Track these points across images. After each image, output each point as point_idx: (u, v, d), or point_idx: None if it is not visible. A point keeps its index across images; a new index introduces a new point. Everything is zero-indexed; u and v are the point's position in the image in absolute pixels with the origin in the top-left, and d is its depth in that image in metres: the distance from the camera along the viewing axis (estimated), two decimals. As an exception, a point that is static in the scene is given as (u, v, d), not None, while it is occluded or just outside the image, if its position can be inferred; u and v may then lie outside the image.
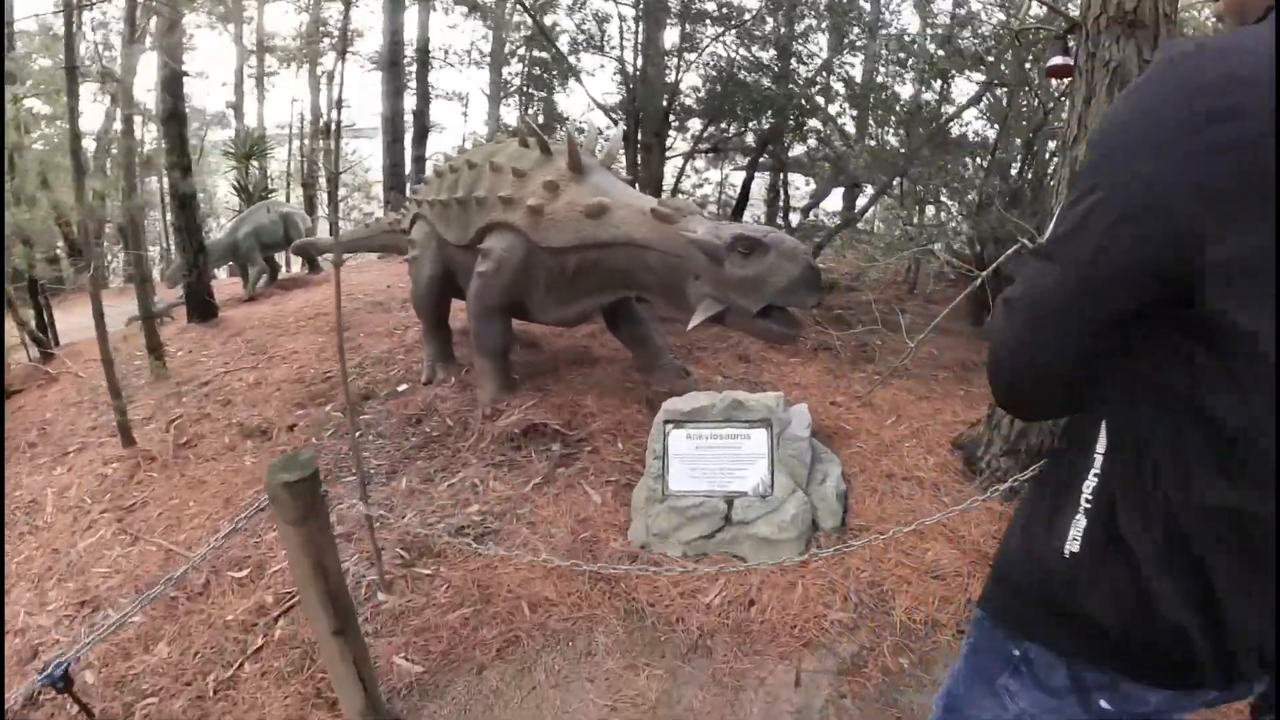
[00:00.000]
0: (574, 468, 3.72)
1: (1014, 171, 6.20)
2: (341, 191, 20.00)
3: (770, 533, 2.98)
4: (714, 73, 7.69)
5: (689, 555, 3.03)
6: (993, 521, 3.53)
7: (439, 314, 4.99)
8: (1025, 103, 6.18)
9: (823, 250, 8.27)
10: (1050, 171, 6.39)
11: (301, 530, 1.80)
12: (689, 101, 8.00)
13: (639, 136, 7.64)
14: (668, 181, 8.64)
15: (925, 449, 4.03)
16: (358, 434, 4.37)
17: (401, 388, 4.95)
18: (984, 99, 6.95)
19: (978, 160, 6.47)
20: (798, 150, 10.23)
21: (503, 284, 4.08)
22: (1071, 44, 3.40)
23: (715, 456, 3.10)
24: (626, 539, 3.15)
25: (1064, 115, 6.54)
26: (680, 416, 3.14)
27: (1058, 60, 3.35)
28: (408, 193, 8.06)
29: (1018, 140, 6.43)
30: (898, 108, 6.68)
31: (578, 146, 3.95)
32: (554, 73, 9.57)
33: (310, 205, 17.61)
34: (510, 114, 13.87)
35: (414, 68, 13.86)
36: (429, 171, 6.25)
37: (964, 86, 8.31)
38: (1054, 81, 4.57)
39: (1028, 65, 5.32)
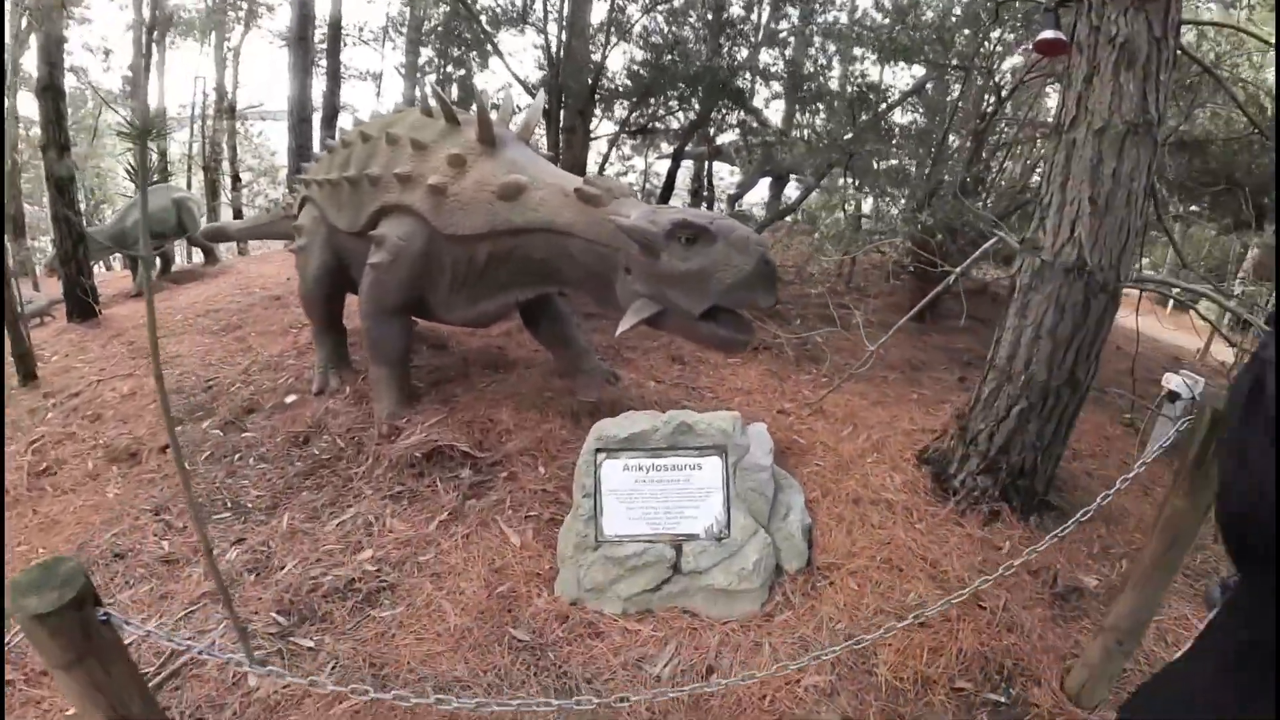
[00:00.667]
0: (487, 499, 3.17)
1: (954, 158, 5.88)
2: (247, 176, 18.78)
3: (728, 583, 2.49)
4: (644, 50, 7.16)
5: (631, 613, 2.52)
6: (975, 549, 3.14)
7: (330, 312, 4.33)
8: (964, 88, 5.87)
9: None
10: (997, 161, 6.13)
11: (78, 676, 1.20)
12: (616, 83, 7.46)
13: (561, 118, 7.06)
14: (591, 167, 8.08)
15: (890, 465, 3.63)
16: (235, 457, 3.73)
17: (290, 398, 4.30)
18: (928, 85, 6.64)
19: (922, 149, 6.14)
20: (726, 138, 9.88)
21: (400, 279, 3.47)
22: (1064, 17, 3.01)
23: (659, 492, 2.59)
24: (553, 594, 2.61)
25: (1006, 106, 6.31)
26: (615, 444, 2.62)
27: (1049, 35, 2.96)
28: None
29: (950, 131, 6.12)
30: (846, 90, 6.27)
31: (489, 116, 3.36)
32: (473, 53, 8.88)
33: (214, 190, 16.41)
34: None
35: (325, 44, 12.85)
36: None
37: (904, 74, 8.04)
38: (1035, 58, 4.20)
39: (988, 44, 4.99)
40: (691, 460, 2.59)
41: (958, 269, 3.63)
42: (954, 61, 5.24)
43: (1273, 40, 3.95)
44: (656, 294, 2.79)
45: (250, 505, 3.34)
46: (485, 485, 3.27)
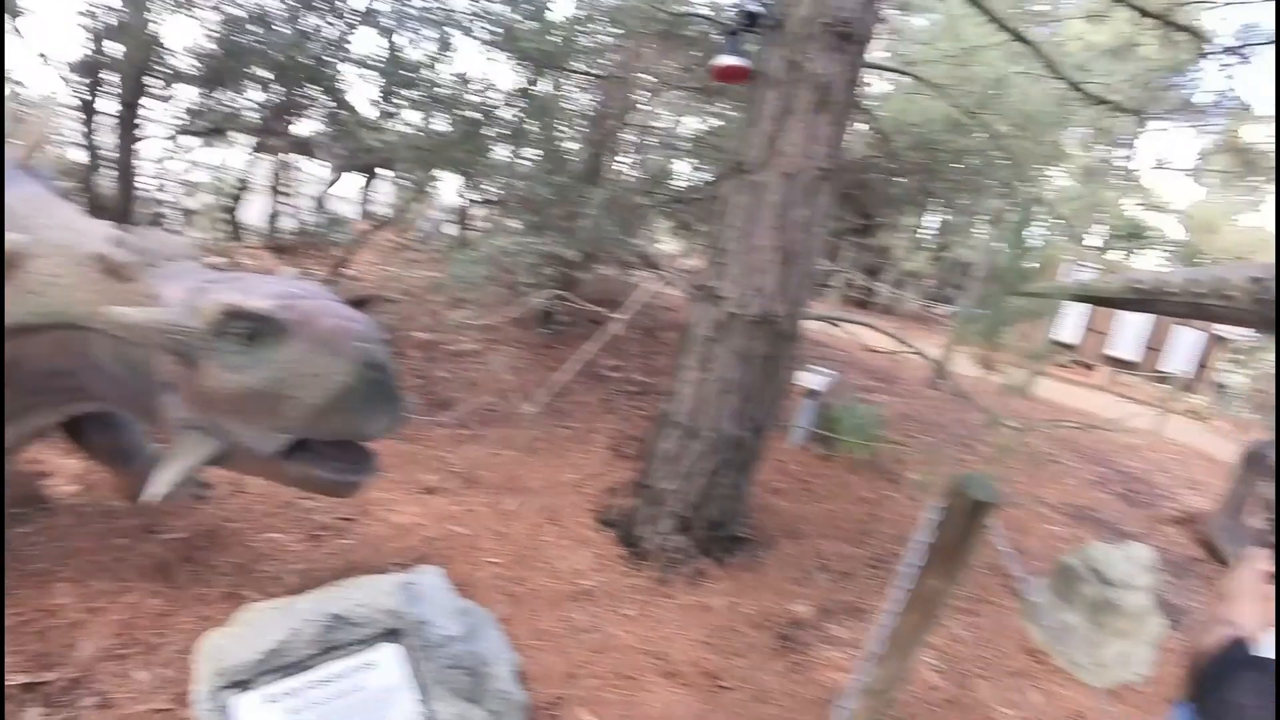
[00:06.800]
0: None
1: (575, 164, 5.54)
2: None
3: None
4: (219, 17, 5.51)
5: None
6: (693, 621, 2.82)
7: None
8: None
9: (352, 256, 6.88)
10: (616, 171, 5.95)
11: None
12: (175, 60, 5.66)
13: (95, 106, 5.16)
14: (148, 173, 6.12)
15: (573, 539, 3.17)
16: None
17: None
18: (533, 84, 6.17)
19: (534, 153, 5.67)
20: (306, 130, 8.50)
21: None
22: (747, 45, 2.76)
23: (331, 716, 1.72)
24: None
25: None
26: (245, 672, 1.65)
27: (733, 61, 2.69)
28: None
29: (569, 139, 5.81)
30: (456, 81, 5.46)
31: None
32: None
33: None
34: None
35: None
36: None
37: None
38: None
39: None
40: (359, 660, 1.77)
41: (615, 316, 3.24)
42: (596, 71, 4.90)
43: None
44: (209, 423, 1.80)
45: None
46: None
